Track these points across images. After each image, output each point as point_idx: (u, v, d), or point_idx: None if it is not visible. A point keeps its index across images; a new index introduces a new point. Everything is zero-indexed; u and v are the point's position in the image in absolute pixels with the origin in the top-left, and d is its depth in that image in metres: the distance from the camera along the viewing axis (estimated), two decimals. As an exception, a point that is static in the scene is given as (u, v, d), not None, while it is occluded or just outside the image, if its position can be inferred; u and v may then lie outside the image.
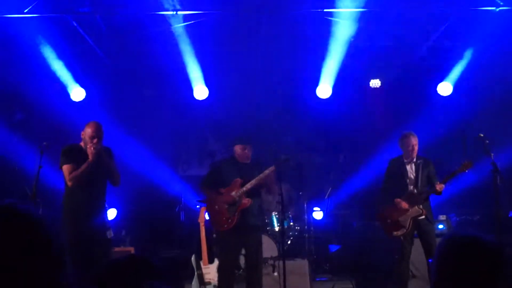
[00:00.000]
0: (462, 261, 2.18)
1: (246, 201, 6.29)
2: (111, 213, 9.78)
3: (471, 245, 2.22)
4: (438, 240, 6.63)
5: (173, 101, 10.60)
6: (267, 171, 6.30)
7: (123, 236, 9.53)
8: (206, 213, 7.28)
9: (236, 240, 6.29)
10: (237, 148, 6.49)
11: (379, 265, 8.05)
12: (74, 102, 9.80)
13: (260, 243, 6.51)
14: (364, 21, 8.28)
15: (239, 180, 6.35)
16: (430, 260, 7.26)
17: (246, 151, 6.46)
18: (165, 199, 10.42)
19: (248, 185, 6.28)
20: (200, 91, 9.97)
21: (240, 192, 6.28)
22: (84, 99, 9.85)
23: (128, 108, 10.41)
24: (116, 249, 7.94)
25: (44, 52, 8.72)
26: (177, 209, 9.89)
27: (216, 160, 6.69)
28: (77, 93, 9.76)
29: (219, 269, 6.53)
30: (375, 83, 10.07)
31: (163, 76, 10.14)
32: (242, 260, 6.71)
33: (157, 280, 2.06)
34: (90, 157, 5.79)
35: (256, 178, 6.28)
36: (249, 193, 6.32)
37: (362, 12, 8.05)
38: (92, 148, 5.78)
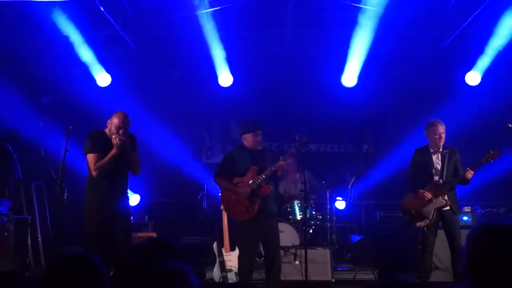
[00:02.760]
0: (495, 248, 2.16)
1: (267, 188, 6.24)
2: (135, 199, 9.88)
3: (505, 233, 2.19)
4: (463, 232, 6.57)
5: (198, 87, 10.58)
6: (287, 155, 6.25)
7: (146, 221, 9.60)
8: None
9: (254, 228, 6.23)
10: (248, 136, 6.38)
11: (401, 256, 7.99)
12: (100, 87, 9.87)
13: (277, 229, 6.49)
14: (391, 9, 8.14)
15: (255, 167, 6.28)
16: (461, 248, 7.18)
17: (257, 137, 6.38)
18: (188, 185, 10.47)
19: (268, 172, 6.21)
20: (225, 78, 9.95)
21: (259, 179, 6.21)
22: (110, 85, 9.90)
23: (153, 94, 10.45)
24: (139, 234, 8.02)
25: (70, 37, 8.76)
26: (199, 196, 9.92)
27: (228, 151, 6.58)
28: (103, 78, 9.82)
29: (239, 258, 6.44)
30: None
31: (188, 62, 10.15)
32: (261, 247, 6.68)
33: (179, 260, 2.10)
34: (115, 148, 5.79)
35: (275, 164, 6.21)
36: (267, 180, 6.26)
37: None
38: (117, 140, 5.77)
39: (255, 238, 6.33)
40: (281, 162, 6.20)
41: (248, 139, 6.40)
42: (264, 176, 6.21)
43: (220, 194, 6.75)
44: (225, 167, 6.48)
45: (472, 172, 6.52)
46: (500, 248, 2.14)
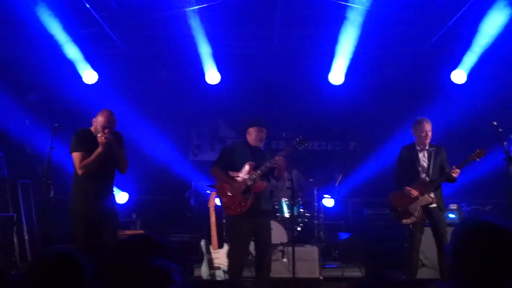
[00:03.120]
0: (478, 245, 2.19)
1: (261, 184, 6.22)
2: (123, 197, 9.86)
3: (487, 230, 2.22)
4: (449, 229, 6.60)
5: (185, 85, 10.57)
6: (283, 153, 6.21)
7: (133, 219, 9.57)
8: (217, 198, 7.24)
9: (247, 225, 6.19)
10: (253, 131, 6.36)
11: (389, 254, 8.01)
12: (87, 84, 9.81)
13: (269, 228, 6.47)
14: (377, 7, 8.16)
15: (252, 163, 6.25)
16: (446, 245, 7.23)
17: (262, 134, 6.37)
18: (176, 183, 10.46)
19: (263, 168, 6.18)
20: (212, 76, 9.94)
21: (255, 175, 6.19)
22: (97, 82, 9.85)
23: (140, 91, 10.41)
24: (126, 232, 7.99)
25: (57, 34, 8.70)
26: (187, 194, 9.92)
27: (228, 144, 6.53)
28: (89, 76, 9.77)
29: (229, 254, 6.43)
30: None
31: (176, 60, 10.12)
32: (251, 246, 6.66)
33: (166, 258, 2.08)
34: (100, 146, 5.74)
35: (271, 160, 6.18)
36: (263, 177, 6.25)
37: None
38: (103, 138, 5.72)
39: (247, 235, 6.28)
40: (277, 158, 6.15)
41: (252, 134, 6.37)
42: (259, 172, 6.18)
43: (209, 192, 6.69)
44: (223, 158, 6.45)
45: (458, 170, 6.55)
46: (481, 244, 2.17)
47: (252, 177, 6.19)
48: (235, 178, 6.27)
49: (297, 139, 6.28)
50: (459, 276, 2.23)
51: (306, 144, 6.36)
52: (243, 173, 6.25)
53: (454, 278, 2.25)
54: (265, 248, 6.27)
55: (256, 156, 6.35)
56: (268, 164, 6.18)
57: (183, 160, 10.97)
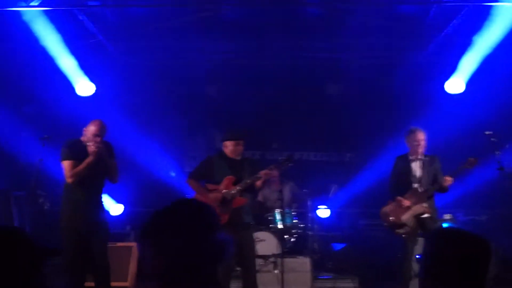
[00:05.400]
0: (448, 255, 2.17)
1: (240, 199, 6.15)
2: (118, 209, 9.81)
3: (457, 239, 2.21)
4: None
5: (182, 96, 10.58)
6: (267, 170, 6.13)
7: (127, 231, 9.52)
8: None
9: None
10: (229, 144, 6.28)
11: (383, 264, 7.96)
12: (83, 97, 9.81)
13: (252, 241, 6.40)
14: (371, 17, 8.17)
15: (232, 177, 6.18)
16: (418, 256, 7.16)
17: (239, 146, 6.29)
18: (171, 195, 10.40)
19: (243, 184, 6.11)
20: (208, 87, 9.95)
21: (234, 190, 6.11)
22: (94, 94, 9.83)
23: (136, 103, 10.42)
24: (119, 244, 7.93)
25: (51, 46, 8.72)
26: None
27: (207, 156, 6.48)
28: (86, 88, 9.76)
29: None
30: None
31: (172, 71, 10.14)
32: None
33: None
34: (91, 155, 5.78)
35: (253, 177, 6.11)
36: (243, 191, 6.17)
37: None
38: (93, 147, 5.77)
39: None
40: (259, 176, 6.10)
41: (228, 147, 6.30)
42: (239, 188, 6.12)
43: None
44: (200, 171, 6.41)
45: (450, 179, 6.50)
46: (450, 253, 2.16)
47: (231, 192, 6.13)
48: (213, 191, 6.19)
49: (282, 158, 6.26)
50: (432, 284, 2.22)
51: (292, 164, 6.30)
52: (222, 187, 6.18)
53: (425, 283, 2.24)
54: (250, 261, 6.22)
55: (234, 169, 6.26)
56: (248, 181, 6.12)
57: (179, 171, 10.94)
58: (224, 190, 6.15)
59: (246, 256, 6.21)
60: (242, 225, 6.19)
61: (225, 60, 9.92)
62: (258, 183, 6.23)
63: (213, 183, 6.26)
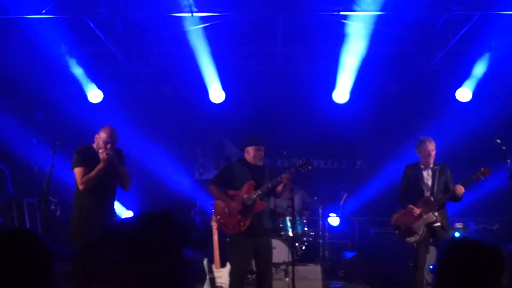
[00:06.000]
0: (462, 264, 2.18)
1: (261, 204, 6.17)
2: (128, 216, 9.83)
3: (471, 249, 2.21)
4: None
5: (190, 104, 10.61)
6: (286, 174, 6.13)
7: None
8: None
9: (248, 244, 6.14)
10: (250, 150, 6.31)
11: (394, 273, 7.92)
12: (92, 103, 9.88)
13: (271, 248, 6.42)
14: (381, 25, 8.16)
15: (252, 182, 6.21)
16: (431, 266, 7.14)
17: (260, 152, 6.32)
18: (181, 202, 10.43)
19: (264, 188, 6.14)
20: (217, 95, 9.97)
21: (255, 195, 6.14)
22: (102, 101, 9.91)
23: (145, 110, 10.48)
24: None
25: (62, 53, 8.79)
26: (192, 213, 9.88)
27: (228, 162, 6.52)
28: (95, 95, 9.83)
29: (231, 274, 6.36)
30: None
31: (181, 79, 10.17)
32: (253, 264, 6.61)
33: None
34: (102, 162, 5.80)
35: (274, 180, 6.15)
36: (262, 196, 6.21)
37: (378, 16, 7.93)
38: (104, 154, 5.79)
39: (249, 254, 6.24)
40: (279, 180, 6.12)
41: (250, 153, 6.32)
42: (260, 192, 6.15)
43: (213, 210, 6.67)
44: (223, 177, 6.45)
45: (463, 188, 6.48)
46: (465, 263, 2.17)
47: (252, 197, 6.15)
48: (234, 196, 6.23)
49: (300, 161, 6.24)
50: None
51: (310, 167, 6.27)
52: (243, 192, 6.21)
53: None
54: (267, 267, 6.22)
55: (255, 174, 6.30)
56: (269, 185, 6.16)
57: (189, 178, 10.97)
58: (245, 195, 6.18)
59: (264, 262, 6.22)
60: (262, 231, 6.21)
61: (233, 67, 9.92)
62: (279, 188, 6.25)
63: (234, 189, 6.28)
